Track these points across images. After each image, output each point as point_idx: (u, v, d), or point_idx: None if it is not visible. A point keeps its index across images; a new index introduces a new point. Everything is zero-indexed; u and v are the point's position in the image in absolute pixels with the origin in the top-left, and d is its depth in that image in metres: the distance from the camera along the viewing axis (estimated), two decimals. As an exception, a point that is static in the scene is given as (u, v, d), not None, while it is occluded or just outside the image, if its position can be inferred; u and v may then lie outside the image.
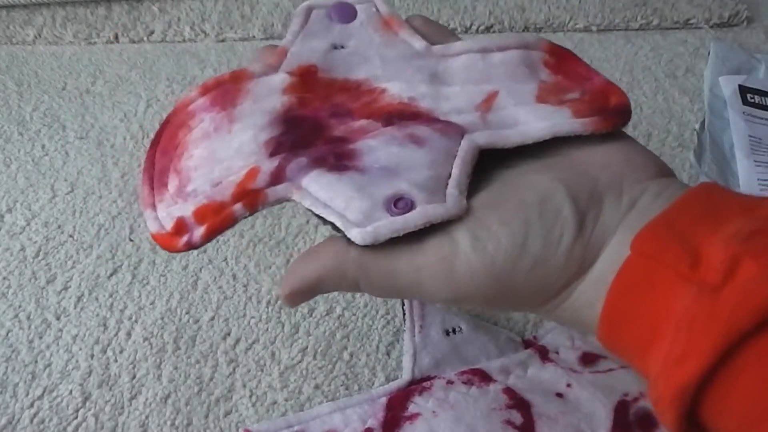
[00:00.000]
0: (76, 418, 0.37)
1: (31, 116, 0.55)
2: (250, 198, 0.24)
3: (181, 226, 0.24)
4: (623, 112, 0.25)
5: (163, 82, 0.57)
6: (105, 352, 0.40)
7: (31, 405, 0.38)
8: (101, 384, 0.39)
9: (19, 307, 0.42)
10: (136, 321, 0.41)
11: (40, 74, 0.58)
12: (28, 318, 0.42)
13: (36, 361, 0.40)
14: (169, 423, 0.37)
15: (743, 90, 0.53)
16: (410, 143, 0.24)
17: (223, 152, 0.25)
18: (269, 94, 0.26)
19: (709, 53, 0.57)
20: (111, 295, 0.42)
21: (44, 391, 0.38)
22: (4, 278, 0.44)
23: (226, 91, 0.26)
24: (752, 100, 0.53)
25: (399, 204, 0.23)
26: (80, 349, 0.40)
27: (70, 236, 0.46)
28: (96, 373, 0.39)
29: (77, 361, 0.40)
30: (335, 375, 0.38)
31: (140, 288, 0.43)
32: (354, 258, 0.23)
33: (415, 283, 0.23)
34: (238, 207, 0.24)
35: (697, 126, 0.51)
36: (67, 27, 0.61)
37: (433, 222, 0.22)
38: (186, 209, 0.25)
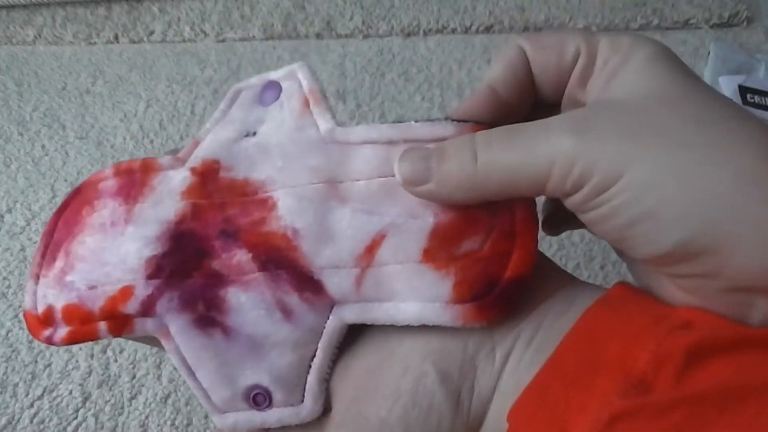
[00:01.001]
0: (76, 418, 0.37)
1: (31, 116, 0.55)
2: (117, 322, 0.24)
3: (48, 317, 0.24)
4: (508, 299, 0.22)
5: (163, 82, 0.57)
6: (105, 352, 0.40)
7: (31, 405, 0.38)
8: (101, 384, 0.39)
9: (19, 307, 0.42)
10: (136, 321, 0.41)
11: (40, 74, 0.58)
12: (28, 318, 0.42)
13: (36, 361, 0.40)
14: (169, 423, 0.37)
15: (743, 90, 0.53)
16: (278, 312, 0.23)
17: (109, 255, 0.24)
18: (168, 197, 0.25)
19: (709, 53, 0.57)
20: (111, 295, 0.43)
21: (44, 391, 0.38)
22: (4, 278, 0.44)
23: (132, 181, 0.25)
24: (752, 100, 0.53)
25: (258, 398, 0.24)
26: (80, 349, 0.40)
27: (70, 236, 0.46)
28: (96, 373, 0.39)
29: (77, 361, 0.40)
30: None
31: (140, 288, 0.43)
32: None
33: None
34: (102, 326, 0.24)
35: (697, 126, 0.51)
36: (67, 27, 0.61)
37: (287, 425, 0.24)
38: (58, 300, 0.24)
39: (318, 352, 0.24)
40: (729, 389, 0.17)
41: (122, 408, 0.38)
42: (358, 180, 0.24)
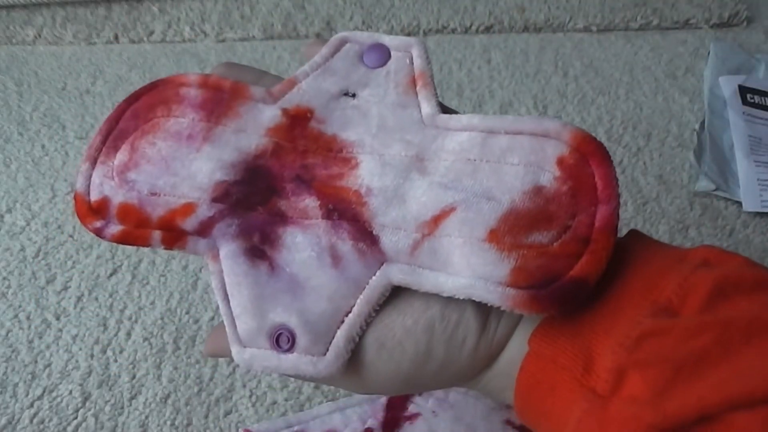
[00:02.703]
0: (76, 418, 0.37)
1: (31, 116, 0.55)
2: (172, 235, 0.24)
3: (102, 208, 0.24)
4: (565, 297, 0.21)
5: (163, 82, 0.57)
6: (105, 352, 0.40)
7: (31, 405, 0.38)
8: (101, 384, 0.39)
9: (19, 307, 0.42)
10: (136, 321, 0.41)
11: (40, 74, 0.58)
12: (28, 318, 0.42)
13: (36, 361, 0.40)
14: (169, 423, 0.37)
15: (743, 90, 0.53)
16: (328, 257, 0.23)
17: (179, 166, 0.24)
18: (253, 129, 0.25)
19: (708, 53, 0.57)
20: (111, 295, 0.43)
21: (44, 391, 0.38)
22: (4, 278, 0.44)
23: (219, 100, 0.26)
24: (752, 100, 0.53)
25: (281, 339, 0.23)
26: (80, 349, 0.40)
27: (70, 236, 0.46)
28: (96, 373, 0.39)
29: (77, 361, 0.40)
30: (335, 375, 0.38)
31: (140, 288, 0.43)
32: None
33: (327, 380, 0.24)
34: (156, 235, 0.24)
35: (697, 126, 0.51)
36: (67, 27, 0.61)
37: (300, 376, 0.23)
38: (116, 195, 0.24)
39: (355, 308, 0.23)
40: (756, 321, 0.18)
41: (122, 408, 0.38)
42: (446, 160, 0.24)
